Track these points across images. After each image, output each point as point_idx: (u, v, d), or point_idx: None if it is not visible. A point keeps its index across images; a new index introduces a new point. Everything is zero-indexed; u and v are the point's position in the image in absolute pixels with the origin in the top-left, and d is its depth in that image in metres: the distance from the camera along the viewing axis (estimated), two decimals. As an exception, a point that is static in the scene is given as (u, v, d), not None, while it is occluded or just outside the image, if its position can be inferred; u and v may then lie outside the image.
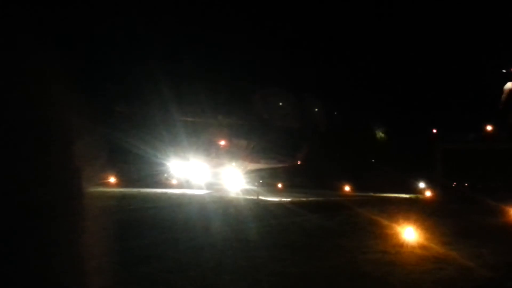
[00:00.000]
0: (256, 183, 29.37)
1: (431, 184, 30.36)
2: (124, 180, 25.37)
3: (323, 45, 35.59)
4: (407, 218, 12.78)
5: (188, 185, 26.46)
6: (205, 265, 8.22)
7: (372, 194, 28.12)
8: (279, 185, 30.49)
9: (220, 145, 32.40)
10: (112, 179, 25.33)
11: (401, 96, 35.87)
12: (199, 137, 30.13)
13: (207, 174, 28.15)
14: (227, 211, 16.06)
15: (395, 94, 35.84)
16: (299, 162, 35.34)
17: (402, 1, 34.31)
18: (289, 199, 22.47)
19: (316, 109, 37.34)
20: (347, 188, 30.35)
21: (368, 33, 35.39)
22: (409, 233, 10.94)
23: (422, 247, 10.25)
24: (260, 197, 21.77)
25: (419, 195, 28.62)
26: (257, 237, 11.41)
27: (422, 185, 30.95)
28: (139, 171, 27.10)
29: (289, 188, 29.48)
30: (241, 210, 17.07)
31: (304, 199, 23.28)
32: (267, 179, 30.69)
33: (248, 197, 21.73)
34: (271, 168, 32.84)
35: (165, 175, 28.37)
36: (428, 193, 28.84)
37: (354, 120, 36.99)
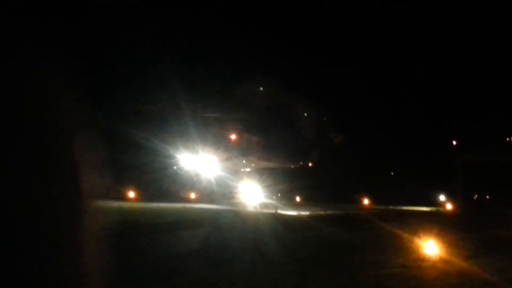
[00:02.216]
0: (274, 197, 29.26)
1: (451, 197, 29.96)
2: (144, 194, 25.46)
3: (339, 54, 35.50)
4: (428, 232, 12.60)
5: (207, 199, 26.44)
6: (224, 280, 8.18)
7: (391, 207, 27.82)
8: (297, 199, 30.33)
9: (230, 139, 32.20)
10: (132, 194, 25.47)
11: (421, 107, 35.51)
12: (209, 131, 29.91)
13: (225, 188, 28.09)
14: (245, 225, 16.00)
15: (414, 105, 35.49)
16: (310, 164, 35.12)
17: (418, 9, 34.05)
18: (307, 213, 22.34)
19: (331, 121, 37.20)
20: (366, 201, 30.08)
21: (386, 43, 35.28)
22: (431, 247, 10.77)
23: (444, 261, 10.08)
24: (278, 211, 21.68)
25: (439, 208, 28.25)
26: (275, 251, 11.33)
27: (442, 197, 30.55)
28: (156, 181, 27.15)
29: (307, 201, 29.32)
30: (259, 224, 17.00)
31: (322, 212, 23.12)
32: (284, 192, 30.53)
33: (266, 211, 21.66)
34: (281, 168, 32.61)
35: (174, 167, 28.23)
36: (449, 206, 28.46)
37: (372, 133, 36.75)
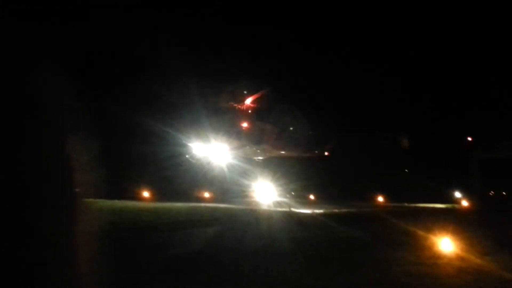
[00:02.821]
0: (287, 195, 29.24)
1: (467, 194, 29.69)
2: (159, 194, 25.57)
3: (349, 52, 35.33)
4: (443, 229, 12.50)
5: (221, 199, 26.51)
6: (238, 279, 8.19)
7: (406, 204, 27.65)
8: (311, 197, 30.26)
9: (243, 127, 31.99)
10: (146, 193, 25.61)
11: (434, 102, 35.22)
12: (221, 119, 29.70)
13: (239, 187, 28.06)
14: (259, 223, 16.02)
15: (427, 100, 35.22)
16: (326, 153, 34.94)
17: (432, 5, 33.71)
18: (321, 211, 22.29)
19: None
20: (380, 198, 29.92)
21: (397, 35, 35.02)
22: (446, 244, 10.69)
23: (460, 258, 9.99)
24: (292, 209, 21.66)
25: (455, 205, 28.01)
26: (289, 250, 11.32)
27: (458, 194, 30.28)
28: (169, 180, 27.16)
29: (321, 199, 29.25)
30: (273, 222, 17.00)
31: (336, 210, 23.05)
32: (298, 191, 30.49)
33: (280, 209, 21.65)
34: (295, 158, 32.40)
35: (187, 155, 28.22)
36: (464, 203, 28.22)
37: (386, 128, 36.50)
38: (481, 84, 34.09)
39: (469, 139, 35.41)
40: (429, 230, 13.02)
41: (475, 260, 9.82)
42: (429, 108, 35.42)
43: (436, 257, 10.13)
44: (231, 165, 27.86)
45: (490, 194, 32.39)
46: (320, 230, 15.06)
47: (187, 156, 28.11)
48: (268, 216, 18.57)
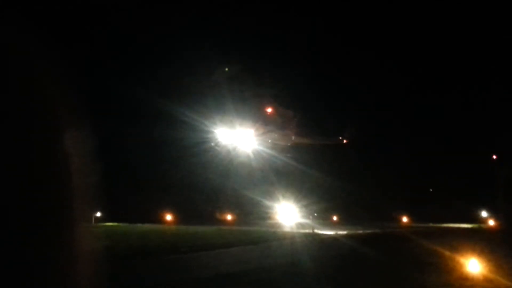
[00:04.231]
0: (310, 216, 29.09)
1: (494, 213, 29.14)
2: (181, 217, 25.69)
3: (375, 73, 35.24)
4: (470, 249, 12.32)
5: (244, 221, 26.50)
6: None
7: (431, 224, 27.26)
8: (334, 218, 30.06)
9: (267, 112, 31.39)
10: (169, 217, 25.78)
11: (460, 121, 34.85)
12: (246, 104, 28.99)
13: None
14: (282, 245, 15.99)
15: (453, 120, 34.88)
16: (345, 141, 34.50)
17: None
18: (345, 232, 22.13)
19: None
20: (404, 219, 29.57)
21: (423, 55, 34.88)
22: (473, 265, 10.53)
23: (487, 280, 9.83)
24: (316, 231, 21.56)
25: (481, 225, 27.50)
26: (314, 272, 11.27)
27: (484, 214, 29.75)
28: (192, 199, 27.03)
29: (344, 220, 29.02)
30: (296, 244, 16.94)
31: (360, 231, 22.85)
32: (321, 212, 30.26)
33: (303, 231, 21.57)
34: (316, 144, 31.75)
35: (212, 143, 27.65)
36: (491, 222, 27.69)
37: (411, 149, 36.15)
38: (506, 102, 33.61)
39: (495, 157, 34.84)
40: (455, 251, 12.84)
41: (503, 282, 9.66)
42: (454, 126, 35.02)
43: (463, 279, 9.99)
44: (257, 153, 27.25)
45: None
46: (344, 251, 14.95)
47: (212, 143, 27.64)
48: (290, 238, 18.51)
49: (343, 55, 32.96)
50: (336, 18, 32.06)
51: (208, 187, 27.30)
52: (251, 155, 26.73)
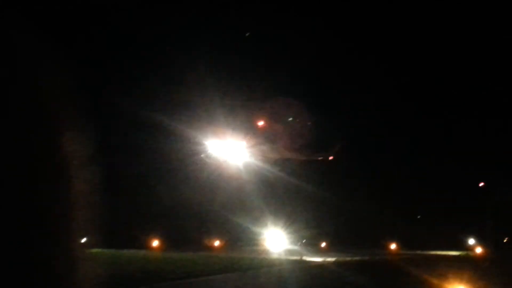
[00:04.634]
0: (299, 243, 29.00)
1: (481, 240, 29.25)
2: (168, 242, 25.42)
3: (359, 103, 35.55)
4: (458, 278, 12.34)
5: (232, 247, 26.31)
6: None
7: (419, 252, 27.26)
8: (323, 244, 29.95)
9: (259, 125, 30.79)
10: (156, 242, 25.51)
11: (448, 149, 35.11)
12: (237, 116, 28.23)
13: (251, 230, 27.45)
14: (271, 272, 15.88)
15: (441, 147, 35.15)
16: (331, 158, 34.24)
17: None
18: (333, 259, 22.03)
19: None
20: (393, 246, 29.55)
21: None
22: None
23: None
24: (304, 258, 21.45)
25: (469, 252, 27.56)
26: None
27: (472, 241, 29.83)
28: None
29: (333, 247, 28.93)
30: (285, 272, 16.82)
31: (349, 258, 22.76)
32: (310, 239, 30.16)
33: (291, 257, 21.44)
34: (303, 159, 31.32)
35: (202, 155, 27.07)
36: (478, 250, 27.77)
37: (399, 176, 36.26)
38: (494, 130, 34.01)
39: (482, 184, 35.09)
40: (444, 279, 12.85)
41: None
42: (442, 154, 35.27)
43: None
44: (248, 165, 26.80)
45: (504, 240, 31.84)
46: (333, 281, 14.89)
47: (202, 155, 27.11)
48: (279, 266, 18.38)
49: (331, 73, 33.02)
50: (327, 40, 32.26)
51: (196, 211, 27.06)
52: (242, 168, 26.38)
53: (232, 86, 27.79)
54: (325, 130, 32.04)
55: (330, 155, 32.80)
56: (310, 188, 29.34)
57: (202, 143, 25.60)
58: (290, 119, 30.20)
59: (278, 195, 29.17)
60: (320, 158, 32.02)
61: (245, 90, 28.99)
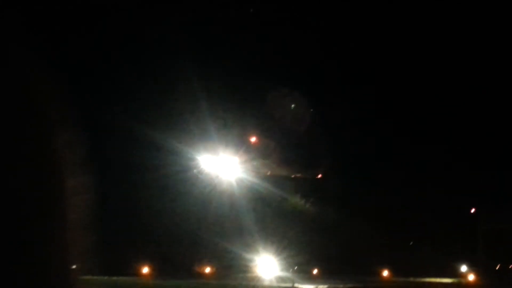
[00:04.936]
0: (290, 269, 28.69)
1: (474, 267, 29.13)
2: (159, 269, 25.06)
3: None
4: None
5: (222, 274, 25.96)
6: None
7: (412, 279, 27.11)
8: (315, 271, 29.67)
9: (251, 141, 30.09)
10: (145, 269, 25.14)
11: (439, 175, 35.15)
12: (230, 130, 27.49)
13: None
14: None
15: (432, 173, 35.20)
16: (319, 176, 33.80)
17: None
18: (326, 286, 21.85)
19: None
20: (385, 273, 29.35)
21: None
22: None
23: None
24: (296, 285, 21.23)
25: (461, 279, 27.43)
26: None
27: (464, 268, 29.69)
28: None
29: (325, 274, 28.67)
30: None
31: (341, 286, 22.59)
32: (301, 265, 29.89)
33: (283, 285, 21.24)
34: (293, 177, 30.86)
35: (195, 170, 26.36)
36: (471, 277, 27.64)
37: (390, 201, 36.25)
38: (486, 156, 34.17)
39: (473, 209, 35.06)
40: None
41: None
42: (432, 180, 35.30)
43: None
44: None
45: (497, 267, 31.71)
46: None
47: (195, 170, 26.54)
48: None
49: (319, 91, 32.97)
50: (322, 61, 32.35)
51: (187, 235, 26.71)
52: (234, 183, 26.04)
53: (225, 100, 27.61)
54: (316, 148, 31.85)
55: (318, 174, 32.53)
56: (303, 209, 29.17)
57: (194, 158, 25.21)
58: (282, 134, 30.08)
59: (270, 215, 28.92)
60: (307, 176, 31.79)
61: (238, 105, 28.78)
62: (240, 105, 29.23)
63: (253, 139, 29.58)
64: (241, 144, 28.17)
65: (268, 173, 28.71)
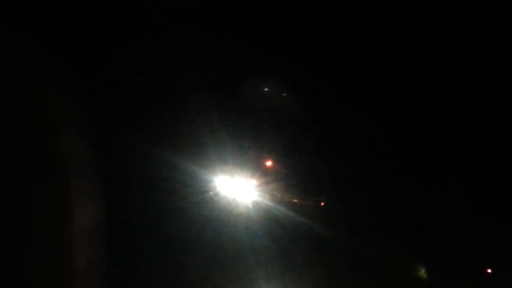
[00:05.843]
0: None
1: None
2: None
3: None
4: None
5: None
6: None
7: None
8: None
9: (267, 165, 29.42)
10: None
11: (454, 234, 34.61)
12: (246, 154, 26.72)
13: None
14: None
15: (446, 231, 34.70)
16: (322, 204, 33.16)
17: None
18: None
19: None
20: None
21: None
22: None
23: None
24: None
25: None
26: None
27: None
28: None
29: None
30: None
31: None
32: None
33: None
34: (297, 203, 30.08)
35: (211, 192, 25.94)
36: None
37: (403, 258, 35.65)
38: (502, 215, 33.78)
39: (489, 270, 34.46)
40: None
41: None
42: (447, 238, 34.74)
43: None
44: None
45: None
46: None
47: (211, 193, 26.25)
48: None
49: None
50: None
51: (202, 263, 27.17)
52: (251, 207, 26.02)
53: (242, 124, 28.04)
54: (320, 174, 31.71)
55: (321, 201, 32.38)
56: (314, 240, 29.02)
57: (211, 181, 25.43)
58: (293, 160, 30.11)
59: (287, 242, 29.03)
60: (311, 203, 31.66)
61: (254, 129, 29.15)
62: (257, 130, 29.87)
63: (269, 163, 29.94)
64: (258, 167, 28.50)
65: (282, 198, 28.97)
